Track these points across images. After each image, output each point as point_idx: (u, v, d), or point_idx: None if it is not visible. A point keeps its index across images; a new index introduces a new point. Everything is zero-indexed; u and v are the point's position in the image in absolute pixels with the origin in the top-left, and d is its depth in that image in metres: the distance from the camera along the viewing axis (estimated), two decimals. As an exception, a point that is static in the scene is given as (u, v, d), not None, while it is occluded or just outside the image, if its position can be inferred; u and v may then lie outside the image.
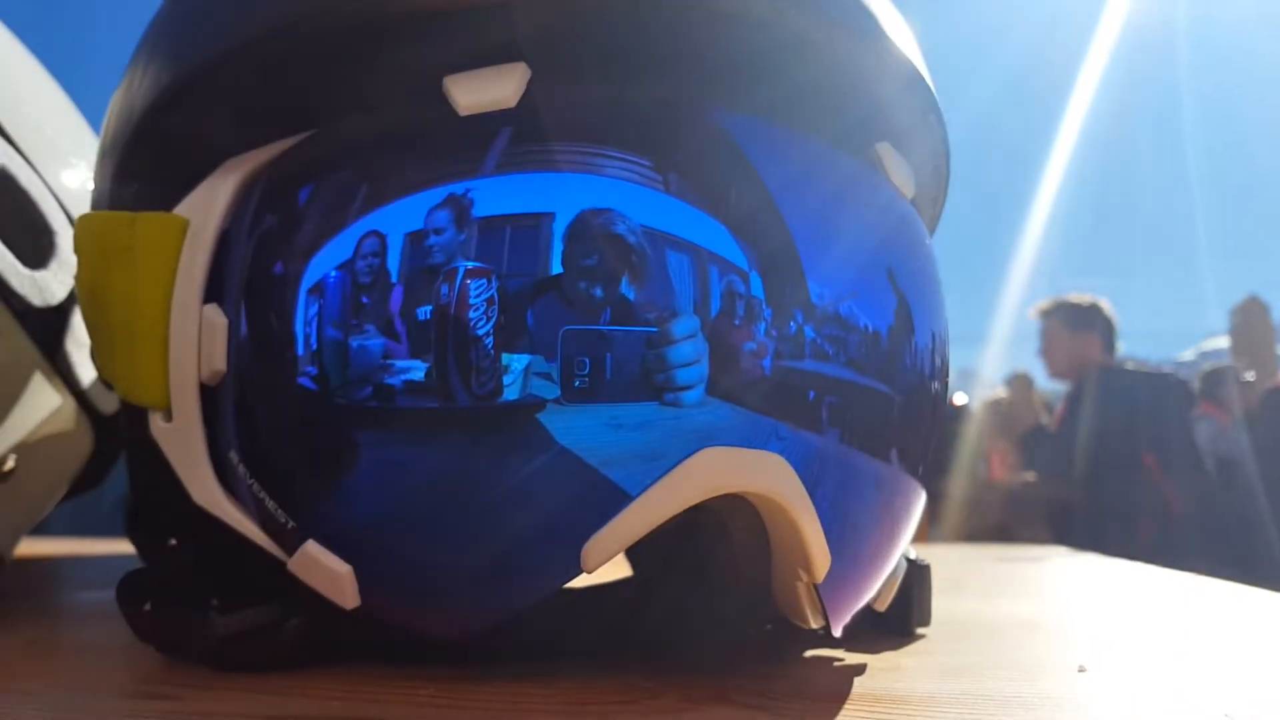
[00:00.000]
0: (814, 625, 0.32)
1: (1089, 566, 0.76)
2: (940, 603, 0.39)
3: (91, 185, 0.37)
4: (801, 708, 0.27)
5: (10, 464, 0.41)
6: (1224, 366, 2.19)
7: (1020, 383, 2.51)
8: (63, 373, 0.44)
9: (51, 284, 0.42)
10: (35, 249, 0.42)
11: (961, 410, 2.40)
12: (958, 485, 2.10)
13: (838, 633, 0.32)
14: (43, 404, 0.43)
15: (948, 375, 0.36)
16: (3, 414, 0.41)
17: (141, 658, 0.32)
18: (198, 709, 0.27)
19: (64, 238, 0.43)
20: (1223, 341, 2.57)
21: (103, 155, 0.35)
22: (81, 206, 0.44)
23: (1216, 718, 0.27)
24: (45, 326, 0.43)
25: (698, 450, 0.28)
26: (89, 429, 0.46)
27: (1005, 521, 2.17)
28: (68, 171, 0.46)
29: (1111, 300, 2.17)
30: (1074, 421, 2.08)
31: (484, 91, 0.28)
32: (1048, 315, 2.19)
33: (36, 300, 0.41)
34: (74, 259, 0.34)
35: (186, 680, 0.30)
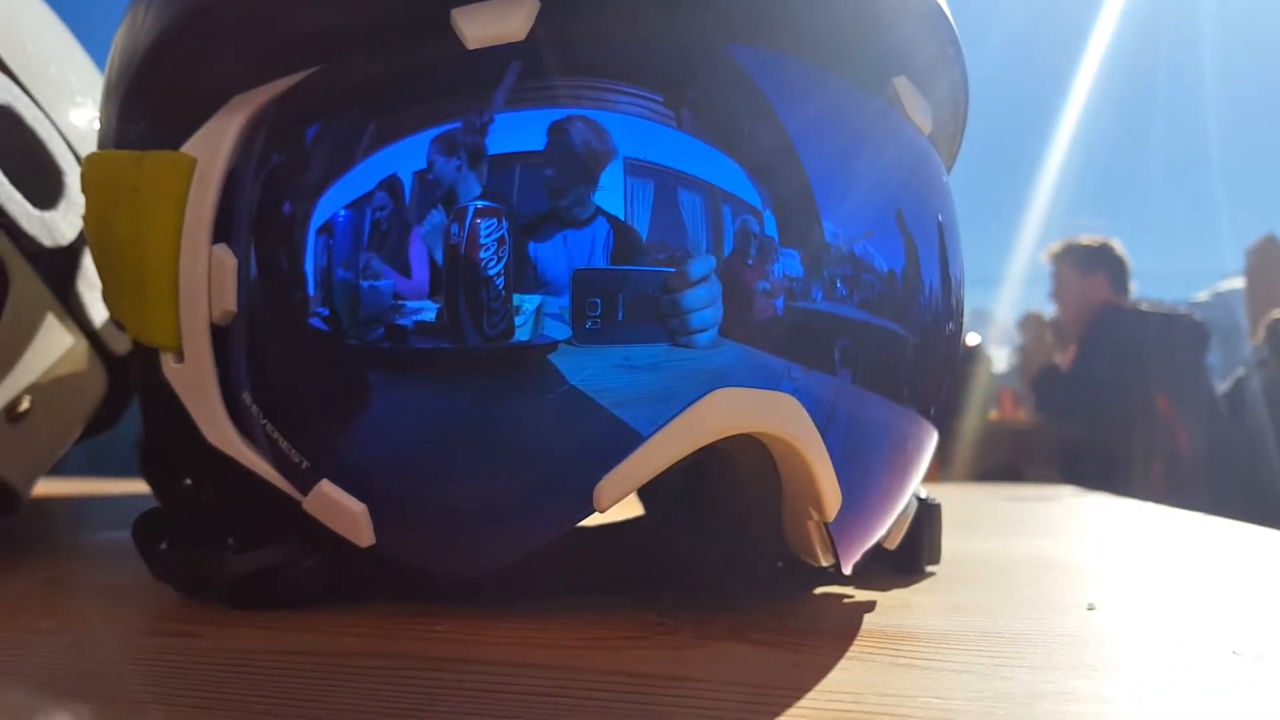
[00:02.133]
0: (825, 563, 0.32)
1: (1098, 506, 0.77)
2: (950, 541, 0.39)
3: (98, 124, 0.37)
4: (812, 644, 0.28)
5: (25, 405, 0.42)
6: None
7: (1033, 323, 2.49)
8: (75, 314, 0.44)
9: (61, 225, 0.42)
10: (44, 189, 0.42)
11: (974, 351, 2.39)
12: (969, 425, 2.10)
13: (848, 571, 0.32)
14: (56, 345, 0.43)
15: (962, 316, 0.35)
16: (16, 356, 0.41)
17: (159, 596, 0.33)
18: (216, 645, 0.27)
19: (72, 178, 0.43)
20: (1238, 283, 2.54)
21: (108, 94, 0.35)
22: (89, 146, 0.43)
23: (1224, 654, 0.27)
24: (56, 267, 0.43)
25: (710, 391, 0.27)
26: (102, 369, 0.46)
27: (1015, 461, 2.18)
28: (75, 110, 0.45)
29: (1125, 240, 2.14)
30: (1086, 362, 2.07)
31: (492, 24, 0.27)
32: (1058, 259, 2.16)
33: (47, 241, 0.41)
34: (82, 199, 0.34)
35: (204, 618, 0.30)
